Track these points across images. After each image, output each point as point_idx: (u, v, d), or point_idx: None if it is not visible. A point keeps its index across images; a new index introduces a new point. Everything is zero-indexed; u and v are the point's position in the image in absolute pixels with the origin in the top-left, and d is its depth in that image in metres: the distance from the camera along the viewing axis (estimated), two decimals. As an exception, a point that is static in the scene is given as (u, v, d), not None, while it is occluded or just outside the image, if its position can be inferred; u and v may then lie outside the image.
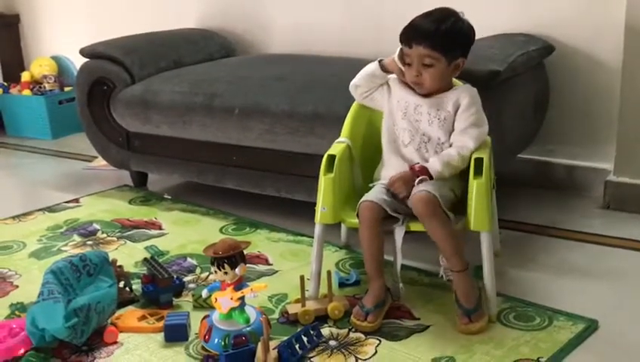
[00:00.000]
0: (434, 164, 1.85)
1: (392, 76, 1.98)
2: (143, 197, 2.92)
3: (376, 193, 1.89)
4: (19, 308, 2.00)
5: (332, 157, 1.92)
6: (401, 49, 1.90)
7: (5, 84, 4.16)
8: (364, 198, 1.87)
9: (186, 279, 2.11)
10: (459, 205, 1.84)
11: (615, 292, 1.97)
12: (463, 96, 1.89)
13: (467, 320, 1.77)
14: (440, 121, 1.90)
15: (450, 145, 1.90)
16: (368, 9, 3.05)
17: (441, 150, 1.91)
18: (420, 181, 1.83)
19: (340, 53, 3.03)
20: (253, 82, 2.62)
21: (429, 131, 1.91)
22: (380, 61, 1.97)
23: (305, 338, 1.72)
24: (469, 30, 1.89)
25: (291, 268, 2.17)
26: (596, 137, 2.67)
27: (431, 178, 1.84)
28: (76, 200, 2.90)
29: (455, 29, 1.85)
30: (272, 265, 2.22)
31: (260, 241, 2.39)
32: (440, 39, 1.83)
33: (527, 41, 2.54)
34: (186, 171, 2.79)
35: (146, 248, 2.38)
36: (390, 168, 1.95)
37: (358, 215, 1.85)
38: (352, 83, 2.03)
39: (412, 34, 1.86)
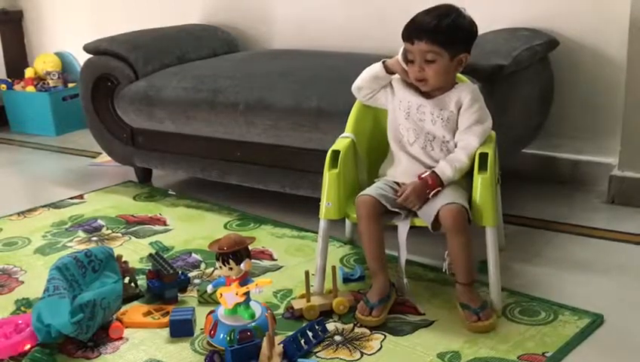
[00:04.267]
0: (446, 171, 1.84)
1: (395, 76, 1.97)
2: (147, 193, 2.93)
3: (375, 188, 1.89)
4: (24, 304, 2.00)
5: (336, 153, 1.91)
6: (404, 49, 1.90)
7: (9, 80, 4.16)
8: (361, 193, 1.87)
9: (191, 274, 2.12)
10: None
11: (620, 287, 1.97)
12: (465, 95, 1.89)
13: (476, 318, 1.77)
14: (443, 120, 1.90)
15: (455, 145, 1.90)
16: (372, 3, 3.04)
17: (446, 148, 1.91)
18: (435, 194, 1.83)
19: (344, 48, 3.02)
20: (257, 78, 2.62)
21: (433, 130, 1.91)
22: (383, 62, 1.96)
23: (310, 334, 1.72)
24: (470, 25, 1.89)
25: (296, 264, 2.17)
26: (601, 131, 2.67)
27: (442, 185, 1.84)
28: (81, 197, 2.90)
29: (457, 24, 1.85)
30: (276, 260, 2.22)
31: (264, 237, 2.39)
32: (441, 34, 1.82)
33: (532, 36, 2.53)
34: (190, 167, 2.79)
35: (151, 244, 2.39)
36: (398, 166, 1.95)
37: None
38: (354, 85, 2.02)
39: (413, 30, 1.86)
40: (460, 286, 1.81)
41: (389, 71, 1.95)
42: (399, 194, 1.86)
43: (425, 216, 1.82)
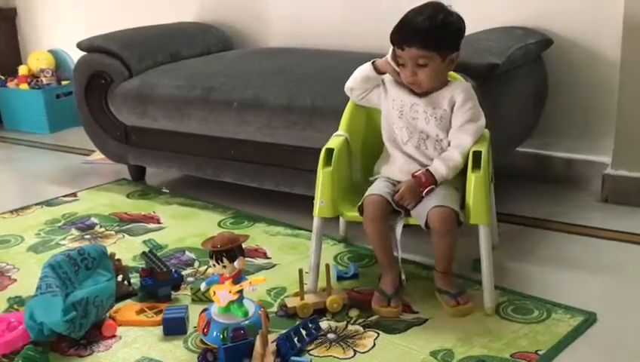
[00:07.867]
0: (439, 169, 1.85)
1: (387, 75, 1.96)
2: (141, 191, 2.92)
3: (381, 187, 1.89)
4: (17, 302, 2.00)
5: (330, 151, 1.91)
6: (394, 49, 1.89)
7: (2, 77, 4.15)
8: (369, 192, 1.86)
9: (184, 272, 2.11)
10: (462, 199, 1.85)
11: (613, 285, 1.98)
12: (457, 93, 1.89)
13: (455, 303, 1.80)
14: (437, 119, 1.90)
15: (449, 143, 1.90)
16: (367, 2, 3.04)
17: (440, 146, 1.91)
18: (428, 191, 1.83)
19: (339, 47, 3.02)
20: (251, 76, 2.61)
21: (426, 129, 1.91)
22: (373, 63, 1.96)
23: (303, 332, 1.72)
24: (459, 22, 1.87)
25: (290, 262, 2.17)
26: (594, 130, 2.67)
27: (436, 183, 1.84)
28: (74, 194, 2.89)
29: (446, 25, 1.83)
30: (270, 258, 2.22)
31: (258, 235, 2.39)
32: (432, 38, 1.81)
33: (526, 35, 2.54)
34: (184, 165, 2.79)
35: (145, 242, 2.38)
36: (393, 165, 1.95)
37: (360, 209, 1.85)
38: (346, 86, 2.02)
39: (403, 36, 1.84)
40: (437, 274, 1.85)
41: (379, 71, 1.95)
42: (395, 191, 1.87)
43: (418, 216, 1.83)
